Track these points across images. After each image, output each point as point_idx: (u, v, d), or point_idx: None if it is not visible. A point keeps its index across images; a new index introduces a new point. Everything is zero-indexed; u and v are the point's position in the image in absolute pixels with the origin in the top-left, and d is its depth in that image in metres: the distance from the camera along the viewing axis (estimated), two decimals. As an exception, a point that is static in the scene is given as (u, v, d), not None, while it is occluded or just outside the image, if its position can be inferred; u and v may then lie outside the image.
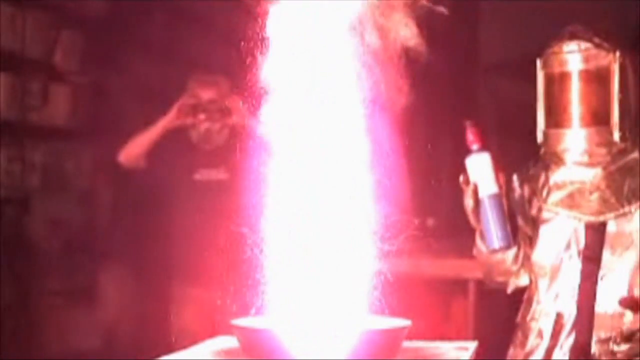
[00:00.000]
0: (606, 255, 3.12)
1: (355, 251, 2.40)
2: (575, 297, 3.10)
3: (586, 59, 3.08)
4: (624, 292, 3.08)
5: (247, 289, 2.46)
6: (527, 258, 3.22)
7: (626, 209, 3.11)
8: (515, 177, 3.27)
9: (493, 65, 7.23)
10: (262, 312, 2.40)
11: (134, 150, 4.59)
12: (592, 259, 3.11)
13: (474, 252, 3.23)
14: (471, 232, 3.22)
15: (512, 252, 3.17)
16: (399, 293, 2.41)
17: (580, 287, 3.10)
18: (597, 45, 3.08)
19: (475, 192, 3.06)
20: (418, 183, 2.65)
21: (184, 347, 2.40)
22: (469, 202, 3.09)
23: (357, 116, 2.40)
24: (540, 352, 3.15)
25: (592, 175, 3.14)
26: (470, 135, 3.04)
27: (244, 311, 2.40)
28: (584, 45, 3.08)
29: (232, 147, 4.54)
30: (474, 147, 3.05)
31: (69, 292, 5.60)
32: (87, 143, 5.84)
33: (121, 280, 6.13)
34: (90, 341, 5.73)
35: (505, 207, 3.08)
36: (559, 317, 3.13)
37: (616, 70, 3.07)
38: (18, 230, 5.30)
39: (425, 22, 2.44)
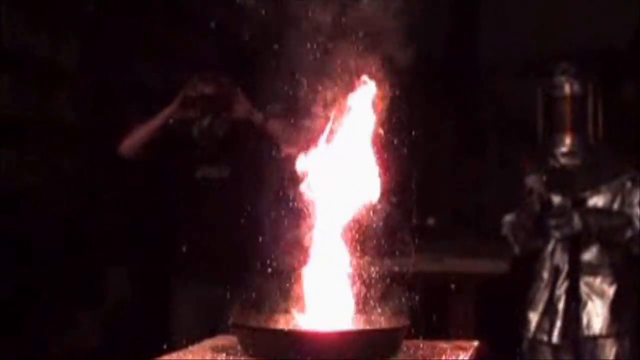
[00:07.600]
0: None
1: (355, 251, 2.40)
2: (567, 253, 4.49)
3: (572, 88, 4.59)
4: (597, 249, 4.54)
5: (248, 288, 2.46)
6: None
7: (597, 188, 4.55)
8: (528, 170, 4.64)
9: (493, 65, 7.26)
10: (262, 311, 2.40)
11: (134, 141, 4.58)
12: None
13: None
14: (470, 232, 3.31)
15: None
16: (399, 293, 2.41)
17: (569, 246, 4.49)
18: (579, 79, 4.59)
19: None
20: (418, 182, 2.67)
21: (184, 346, 2.40)
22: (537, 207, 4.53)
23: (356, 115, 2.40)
24: (543, 293, 4.52)
25: (575, 165, 4.58)
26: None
27: (244, 310, 2.40)
28: (571, 79, 4.59)
29: (233, 144, 4.57)
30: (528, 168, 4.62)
31: (70, 292, 5.60)
32: (87, 142, 5.84)
33: (121, 279, 6.14)
34: (90, 341, 5.74)
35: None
36: (556, 268, 4.51)
37: (590, 95, 4.60)
38: (18, 229, 5.30)
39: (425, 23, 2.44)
